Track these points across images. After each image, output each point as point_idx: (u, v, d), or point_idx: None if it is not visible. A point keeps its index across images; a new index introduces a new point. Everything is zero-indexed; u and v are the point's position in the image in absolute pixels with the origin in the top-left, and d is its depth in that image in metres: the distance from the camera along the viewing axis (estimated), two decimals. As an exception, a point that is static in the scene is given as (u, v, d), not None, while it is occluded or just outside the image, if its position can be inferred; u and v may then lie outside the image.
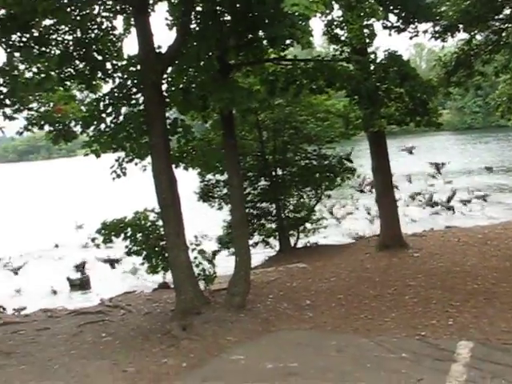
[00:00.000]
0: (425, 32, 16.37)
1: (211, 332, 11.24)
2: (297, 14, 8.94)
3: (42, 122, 16.37)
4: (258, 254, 21.27)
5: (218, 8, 12.33)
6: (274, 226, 21.68)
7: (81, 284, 23.51)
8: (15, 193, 64.81)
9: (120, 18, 14.84)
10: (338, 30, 16.43)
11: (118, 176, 13.21)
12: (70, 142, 17.42)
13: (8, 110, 15.43)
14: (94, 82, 14.82)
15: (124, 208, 18.58)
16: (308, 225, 22.05)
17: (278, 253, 21.53)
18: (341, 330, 10.85)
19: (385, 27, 15.81)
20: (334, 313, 12.06)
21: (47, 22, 13.96)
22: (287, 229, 21.62)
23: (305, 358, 9.32)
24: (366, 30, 16.39)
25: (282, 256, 20.58)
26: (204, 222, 27.95)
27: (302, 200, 21.99)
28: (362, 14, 14.96)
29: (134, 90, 13.16)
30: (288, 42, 12.30)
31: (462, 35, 16.92)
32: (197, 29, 12.61)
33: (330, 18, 16.04)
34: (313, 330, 11.03)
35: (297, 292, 13.96)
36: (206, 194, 21.32)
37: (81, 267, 25.32)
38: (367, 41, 16.56)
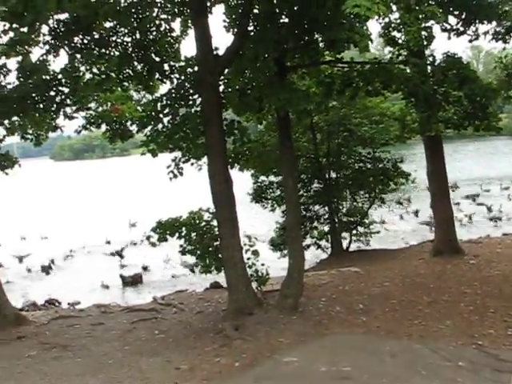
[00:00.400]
0: (485, 33, 16.00)
1: (264, 333, 11.28)
2: (356, 16, 8.90)
3: (100, 121, 16.80)
4: (310, 257, 21.20)
5: (276, 10, 12.38)
6: (326, 228, 21.57)
7: (133, 281, 23.91)
8: (72, 190, 66.50)
9: (178, 20, 15.12)
10: (395, 33, 16.30)
11: (175, 176, 13.37)
12: (125, 141, 17.86)
13: (68, 110, 15.89)
14: (151, 83, 15.12)
15: (178, 207, 18.88)
16: (361, 228, 21.82)
17: (329, 256, 21.43)
18: (395, 336, 10.70)
19: (444, 30, 15.52)
20: (388, 318, 11.91)
21: (108, 24, 14.33)
22: (340, 232, 21.47)
23: (359, 362, 9.24)
24: (423, 33, 16.19)
25: (334, 259, 20.47)
26: (253, 223, 28.21)
27: (355, 203, 21.77)
28: (420, 17, 14.78)
29: (192, 91, 13.32)
30: (345, 44, 12.28)
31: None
32: (254, 31, 12.69)
33: (387, 20, 15.97)
34: (366, 334, 10.91)
35: (349, 296, 13.85)
36: (259, 195, 21.36)
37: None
38: (425, 43, 16.36)
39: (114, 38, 14.44)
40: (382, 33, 16.05)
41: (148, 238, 29.69)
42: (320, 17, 11.24)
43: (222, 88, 13.42)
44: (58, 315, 15.66)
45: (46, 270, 27.87)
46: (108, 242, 33.33)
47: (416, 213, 32.29)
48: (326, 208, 21.41)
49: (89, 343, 12.42)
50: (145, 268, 25.53)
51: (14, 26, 11.72)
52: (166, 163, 13.66)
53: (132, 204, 47.54)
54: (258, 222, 31.50)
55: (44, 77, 14.86)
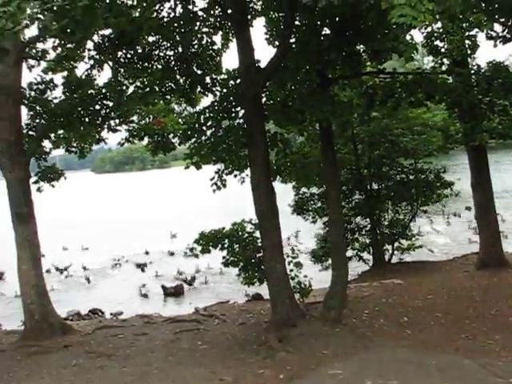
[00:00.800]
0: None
1: (307, 345, 11.22)
2: (401, 26, 8.85)
3: (143, 134, 17.07)
4: (351, 269, 21.01)
5: (318, 22, 12.39)
6: (367, 240, 21.36)
7: (175, 292, 24.07)
8: (113, 202, 67.50)
9: (219, 33, 15.29)
10: (437, 42, 16.17)
11: (219, 188, 13.47)
12: (168, 153, 18.11)
13: (112, 123, 16.20)
14: (193, 96, 15.31)
15: (220, 219, 18.98)
16: (402, 240, 21.54)
17: (371, 268, 21.19)
18: (441, 350, 10.51)
19: (489, 38, 15.29)
20: (433, 331, 11.73)
21: (151, 38, 14.58)
22: (382, 244, 21.24)
23: (405, 376, 9.12)
24: (467, 41, 16.02)
25: (376, 271, 20.25)
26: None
27: (397, 215, 21.51)
28: (464, 25, 14.62)
29: (234, 103, 13.42)
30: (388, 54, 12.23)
31: None
32: (296, 43, 12.72)
33: (429, 29, 15.86)
34: (412, 348, 10.74)
35: (393, 308, 13.67)
36: (300, 207, 21.28)
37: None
38: (468, 52, 16.17)
39: (156, 52, 14.70)
40: (424, 42, 15.97)
41: (191, 249, 29.91)
42: (363, 27, 11.19)
43: (264, 100, 13.49)
44: (102, 325, 15.89)
45: (87, 280, 28.32)
46: (147, 253, 33.68)
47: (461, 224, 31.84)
48: (368, 220, 21.21)
49: (133, 353, 12.55)
50: (185, 280, 25.65)
51: (63, 42, 12.02)
52: (207, 175, 13.79)
53: (173, 215, 47.98)
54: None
55: (89, 91, 15.22)
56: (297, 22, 12.93)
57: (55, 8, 8.64)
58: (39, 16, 8.45)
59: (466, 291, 14.82)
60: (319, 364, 10.20)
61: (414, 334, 11.58)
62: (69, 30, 9.96)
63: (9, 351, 13.42)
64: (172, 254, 33.30)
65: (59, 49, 12.78)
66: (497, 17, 14.63)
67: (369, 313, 13.37)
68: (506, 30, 15.22)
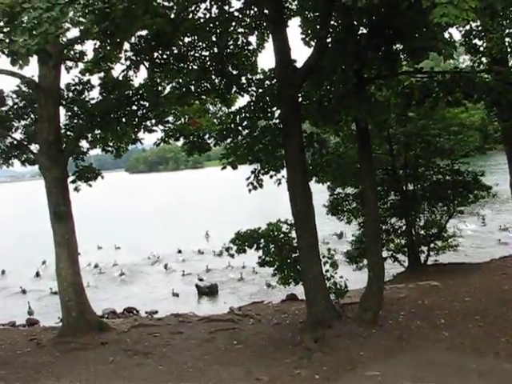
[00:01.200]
0: None
1: (344, 346, 11.16)
2: (440, 24, 8.73)
3: (178, 135, 17.19)
4: (386, 270, 20.82)
5: (354, 22, 12.32)
6: (403, 241, 21.15)
7: (209, 291, 24.17)
8: (148, 201, 68.22)
9: (254, 33, 15.29)
10: (476, 40, 15.93)
11: (255, 188, 13.48)
12: (203, 154, 18.19)
13: (148, 123, 16.35)
14: (228, 96, 15.33)
15: (255, 219, 18.99)
16: (438, 242, 21.26)
17: (406, 269, 20.98)
18: (481, 353, 10.34)
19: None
20: (472, 334, 11.52)
21: (186, 39, 14.65)
22: (417, 245, 21.00)
23: (444, 379, 9.02)
24: (507, 39, 15.72)
25: (411, 273, 20.04)
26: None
27: (433, 216, 21.25)
28: (504, 23, 14.36)
29: (270, 103, 13.42)
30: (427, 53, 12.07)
31: None
32: (333, 43, 12.66)
33: (467, 27, 15.62)
34: (450, 350, 10.59)
35: (430, 310, 13.48)
36: (335, 208, 21.17)
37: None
38: (508, 50, 15.87)
39: (192, 53, 14.76)
40: (462, 41, 15.74)
41: (227, 249, 29.88)
42: (401, 27, 11.07)
43: (300, 100, 13.45)
44: (137, 323, 16.05)
45: (120, 278, 28.69)
46: (179, 252, 33.93)
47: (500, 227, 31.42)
48: (403, 220, 20.99)
49: (169, 351, 12.66)
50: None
51: (103, 44, 12.18)
52: (241, 176, 13.80)
53: (208, 215, 48.25)
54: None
55: (126, 92, 15.38)
56: (333, 22, 12.87)
57: (96, 11, 8.79)
58: (81, 19, 8.60)
59: (505, 294, 14.53)
60: (355, 365, 10.15)
61: (451, 337, 11.40)
62: (108, 32, 10.11)
63: (48, 347, 13.68)
64: (202, 253, 33.51)
65: (99, 50, 12.93)
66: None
67: (405, 314, 13.23)
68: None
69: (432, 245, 21.21)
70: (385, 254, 20.80)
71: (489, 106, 15.09)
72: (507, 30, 15.17)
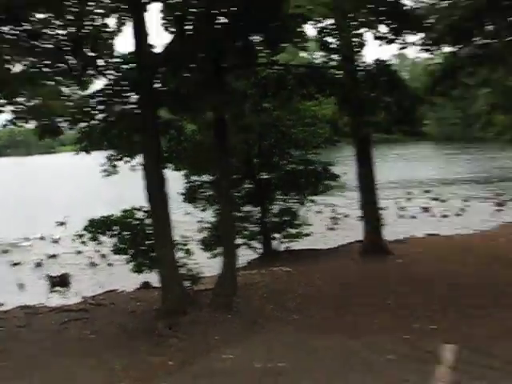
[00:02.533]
0: (413, 44, 16.58)
1: (199, 331, 11.31)
2: (296, 17, 9.09)
3: (30, 117, 16.28)
4: (241, 257, 21.24)
5: (212, 11, 12.39)
6: (257, 229, 21.70)
7: (61, 281, 23.19)
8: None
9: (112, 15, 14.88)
10: (328, 38, 16.70)
11: (110, 174, 13.18)
12: (56, 138, 17.39)
13: (-5, 103, 15.32)
14: (84, 79, 14.79)
15: (110, 206, 18.51)
16: (291, 229, 22.04)
17: (260, 256, 21.56)
18: (327, 332, 10.86)
19: (376, 37, 16.00)
20: (320, 316, 12.10)
21: (41, 16, 13.91)
22: (270, 232, 21.67)
23: (293, 357, 9.44)
24: (355, 39, 16.67)
25: (265, 259, 20.64)
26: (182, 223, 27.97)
27: (285, 204, 22.02)
28: (353, 23, 15.19)
29: (127, 88, 13.15)
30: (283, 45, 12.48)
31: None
32: (192, 30, 12.66)
33: (322, 25, 16.35)
34: (300, 331, 11.08)
35: (282, 294, 14.01)
36: (191, 195, 21.24)
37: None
38: (356, 49, 16.83)
39: (47, 31, 14.05)
40: (316, 37, 16.45)
41: (80, 236, 28.66)
42: (259, 18, 11.34)
43: (157, 86, 13.32)
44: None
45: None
46: (27, 239, 32.10)
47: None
48: (258, 208, 21.55)
49: (15, 345, 12.03)
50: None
51: None
52: (96, 162, 13.44)
53: (61, 202, 46.07)
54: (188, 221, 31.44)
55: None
56: (193, 10, 12.86)
57: None
58: None
59: (349, 277, 15.47)
60: (210, 350, 10.32)
61: (301, 319, 11.94)
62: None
63: None
64: (53, 241, 31.85)
65: None
66: (382, 18, 15.39)
67: (258, 299, 13.66)
68: (391, 32, 16.04)
69: (285, 232, 21.95)
70: (239, 241, 21.22)
71: (339, 100, 15.87)
72: (355, 31, 16.08)
